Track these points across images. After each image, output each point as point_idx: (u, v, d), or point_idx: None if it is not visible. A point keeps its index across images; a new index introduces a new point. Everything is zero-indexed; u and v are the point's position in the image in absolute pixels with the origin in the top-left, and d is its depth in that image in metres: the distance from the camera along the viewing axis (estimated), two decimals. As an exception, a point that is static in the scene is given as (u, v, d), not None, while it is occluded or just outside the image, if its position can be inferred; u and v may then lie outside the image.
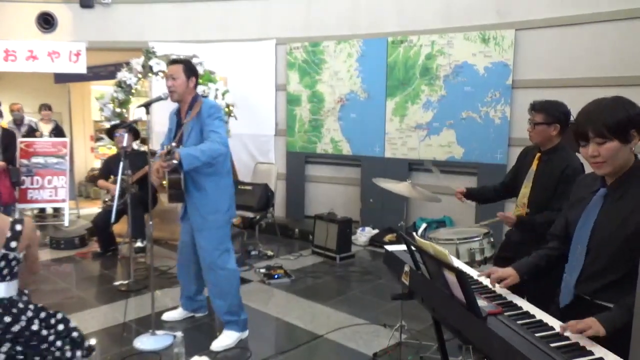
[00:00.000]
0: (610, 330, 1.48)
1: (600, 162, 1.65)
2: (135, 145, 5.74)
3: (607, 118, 1.60)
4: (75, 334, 2.39)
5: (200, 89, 6.02)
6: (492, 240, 3.01)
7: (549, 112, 2.65)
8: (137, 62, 6.14)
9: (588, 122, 1.64)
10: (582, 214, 1.75)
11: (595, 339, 1.46)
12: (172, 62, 3.42)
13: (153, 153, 3.73)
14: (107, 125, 6.39)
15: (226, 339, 3.38)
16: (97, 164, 9.56)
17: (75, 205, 7.76)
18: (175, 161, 2.98)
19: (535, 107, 2.69)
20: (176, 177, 3.22)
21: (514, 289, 1.90)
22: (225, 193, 3.36)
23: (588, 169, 1.83)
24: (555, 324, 1.57)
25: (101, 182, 5.54)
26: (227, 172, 3.38)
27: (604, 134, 1.60)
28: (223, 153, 3.19)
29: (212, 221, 3.32)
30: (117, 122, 5.87)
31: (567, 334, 1.49)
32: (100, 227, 5.39)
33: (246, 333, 3.50)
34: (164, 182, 3.37)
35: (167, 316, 3.78)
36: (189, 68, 3.32)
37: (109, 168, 5.47)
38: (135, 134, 5.42)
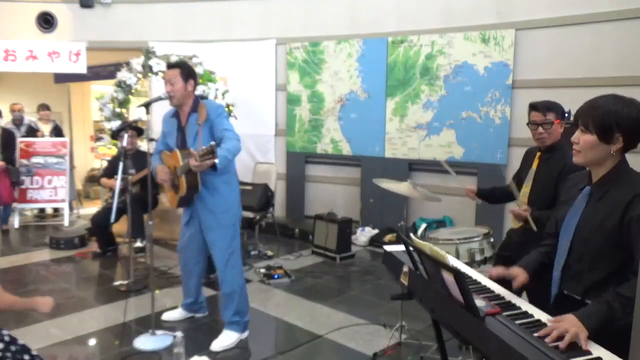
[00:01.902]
0: (593, 327, 1.46)
1: (576, 150, 1.71)
2: (144, 144, 5.73)
3: (596, 112, 1.65)
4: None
5: (200, 89, 6.02)
6: (492, 240, 3.01)
7: (559, 110, 2.69)
8: (137, 62, 6.14)
9: (582, 110, 1.71)
10: (567, 212, 1.79)
11: (595, 338, 1.46)
12: (169, 66, 3.42)
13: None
14: (107, 125, 6.39)
15: (226, 339, 3.38)
16: (98, 164, 9.57)
17: (79, 204, 7.77)
18: (216, 160, 2.96)
19: (548, 107, 2.69)
20: (194, 179, 3.21)
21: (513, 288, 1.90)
22: (235, 191, 3.43)
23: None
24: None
25: (104, 180, 5.58)
26: (235, 171, 3.44)
27: (587, 125, 1.66)
28: (240, 149, 3.23)
29: (225, 219, 3.36)
30: (120, 126, 5.86)
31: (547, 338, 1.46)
32: (99, 225, 5.39)
33: (246, 334, 3.51)
34: (166, 185, 3.38)
35: (166, 316, 3.78)
36: (186, 72, 3.31)
37: (113, 167, 5.48)
38: (138, 131, 5.45)
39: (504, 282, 1.96)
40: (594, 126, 1.65)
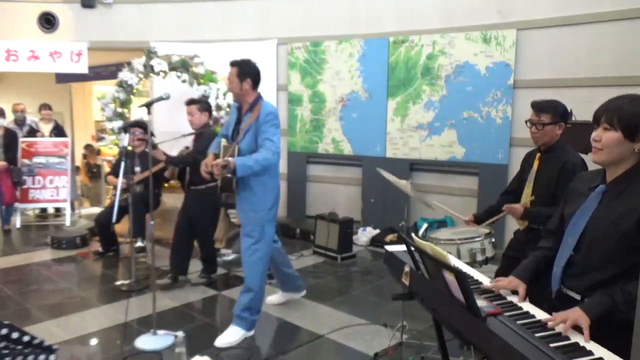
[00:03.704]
0: (594, 315, 1.53)
1: (597, 148, 1.68)
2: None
3: (622, 109, 1.63)
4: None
5: (201, 89, 6.04)
6: (493, 240, 3.01)
7: (556, 112, 2.66)
8: (138, 62, 6.15)
9: (606, 107, 1.67)
10: (578, 208, 1.76)
11: (596, 338, 1.46)
12: (230, 64, 3.51)
13: (154, 146, 4.13)
14: (109, 125, 6.39)
15: (231, 336, 3.42)
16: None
17: (82, 204, 7.78)
18: (229, 175, 3.23)
19: (542, 108, 2.69)
20: (229, 178, 3.36)
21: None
22: (270, 193, 3.46)
23: (590, 166, 1.84)
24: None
25: (110, 178, 5.58)
26: (274, 174, 3.49)
27: (612, 122, 1.63)
28: (275, 162, 3.35)
29: (254, 218, 3.43)
30: (127, 124, 5.84)
31: (557, 328, 1.53)
32: (103, 225, 5.39)
33: (251, 333, 3.53)
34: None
35: (269, 300, 4.04)
36: (243, 70, 3.39)
37: (120, 165, 5.47)
38: (147, 132, 5.41)
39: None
40: (619, 123, 1.62)
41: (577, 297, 1.71)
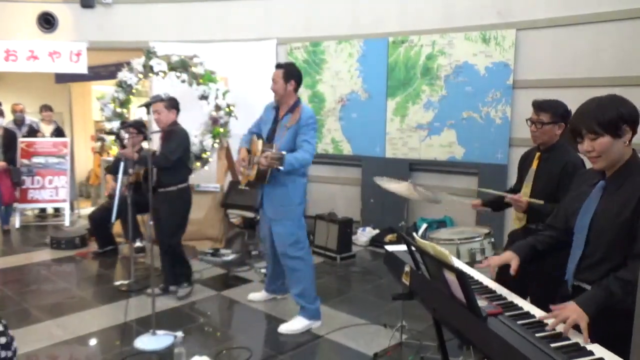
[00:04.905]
0: (592, 312, 1.56)
1: (595, 157, 1.74)
2: (145, 145, 5.69)
3: (598, 115, 1.69)
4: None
5: (200, 89, 6.03)
6: (492, 240, 3.01)
7: (556, 112, 2.66)
8: (137, 62, 6.14)
9: (581, 120, 1.74)
10: (582, 206, 1.83)
11: (595, 338, 1.46)
12: (276, 66, 3.67)
13: (124, 145, 4.19)
14: (108, 125, 6.38)
15: (295, 324, 3.61)
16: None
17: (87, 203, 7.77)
18: (281, 168, 3.36)
19: (542, 107, 2.69)
20: (264, 171, 3.49)
21: (516, 289, 1.90)
22: (300, 189, 3.64)
23: (588, 164, 1.88)
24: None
25: (109, 177, 5.57)
26: (303, 172, 3.66)
27: (595, 130, 1.70)
28: (310, 163, 3.57)
29: (285, 212, 3.60)
30: (122, 125, 5.80)
31: (548, 321, 1.56)
32: (97, 222, 5.37)
33: (317, 323, 3.67)
34: (245, 172, 3.68)
35: (251, 296, 4.15)
36: (288, 72, 3.58)
37: (117, 165, 5.45)
38: (141, 132, 5.38)
39: (504, 282, 1.96)
40: (601, 127, 1.68)
41: (588, 287, 1.76)
